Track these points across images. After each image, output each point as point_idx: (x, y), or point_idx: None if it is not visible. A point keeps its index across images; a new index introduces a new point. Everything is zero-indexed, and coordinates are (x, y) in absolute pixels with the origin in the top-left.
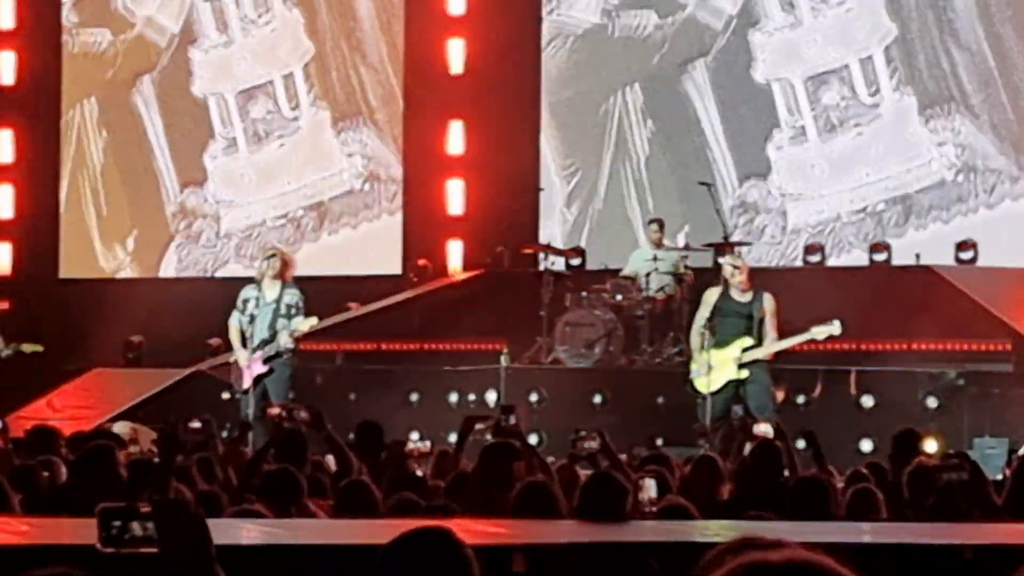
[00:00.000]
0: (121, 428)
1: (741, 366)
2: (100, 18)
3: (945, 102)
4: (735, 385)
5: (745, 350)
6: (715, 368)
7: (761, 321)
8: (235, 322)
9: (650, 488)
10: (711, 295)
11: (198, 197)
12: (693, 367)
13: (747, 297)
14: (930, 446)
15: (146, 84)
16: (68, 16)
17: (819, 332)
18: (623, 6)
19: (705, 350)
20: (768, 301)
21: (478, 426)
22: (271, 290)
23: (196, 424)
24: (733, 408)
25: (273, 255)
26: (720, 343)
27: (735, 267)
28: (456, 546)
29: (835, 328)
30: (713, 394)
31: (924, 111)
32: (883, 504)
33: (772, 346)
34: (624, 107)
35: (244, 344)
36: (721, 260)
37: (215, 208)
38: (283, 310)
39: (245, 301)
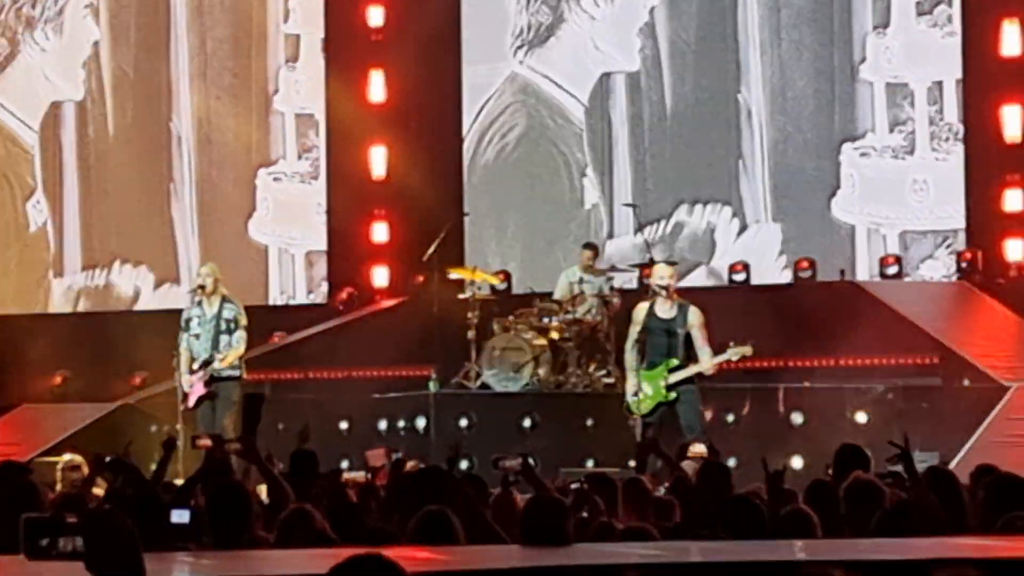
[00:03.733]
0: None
1: (669, 388)
2: None
3: None
4: (666, 408)
5: (671, 371)
6: (645, 391)
7: (687, 336)
8: (183, 343)
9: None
10: (639, 312)
11: None
12: (628, 388)
13: (671, 313)
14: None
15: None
16: None
17: (733, 353)
18: None
19: (636, 370)
20: (693, 315)
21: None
22: (210, 306)
23: (109, 459)
24: (646, 429)
25: (206, 270)
26: (650, 363)
27: (660, 285)
28: (397, 572)
29: (748, 349)
30: (644, 416)
31: None
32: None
33: (700, 366)
34: None
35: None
36: (650, 278)
37: None
38: (223, 326)
39: (188, 320)
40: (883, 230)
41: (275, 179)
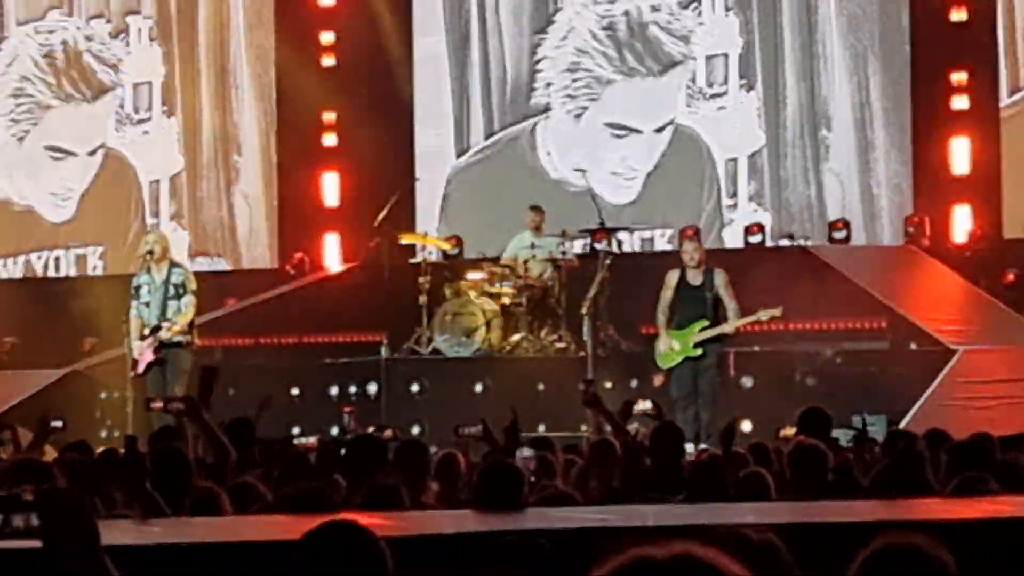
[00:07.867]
0: None
1: (696, 345)
2: None
3: None
4: (692, 362)
5: (701, 330)
6: (674, 347)
7: (716, 300)
8: (134, 311)
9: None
10: (672, 278)
11: None
12: (658, 346)
13: (699, 280)
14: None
15: None
16: None
17: (764, 314)
18: None
19: (668, 330)
20: (719, 277)
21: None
22: (159, 272)
23: (58, 423)
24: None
25: (153, 237)
26: (680, 325)
27: (691, 253)
28: (370, 538)
29: (777, 311)
30: (672, 369)
31: None
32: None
33: (723, 327)
34: None
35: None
36: (681, 247)
37: None
38: (171, 291)
39: (137, 288)
40: None
41: None
